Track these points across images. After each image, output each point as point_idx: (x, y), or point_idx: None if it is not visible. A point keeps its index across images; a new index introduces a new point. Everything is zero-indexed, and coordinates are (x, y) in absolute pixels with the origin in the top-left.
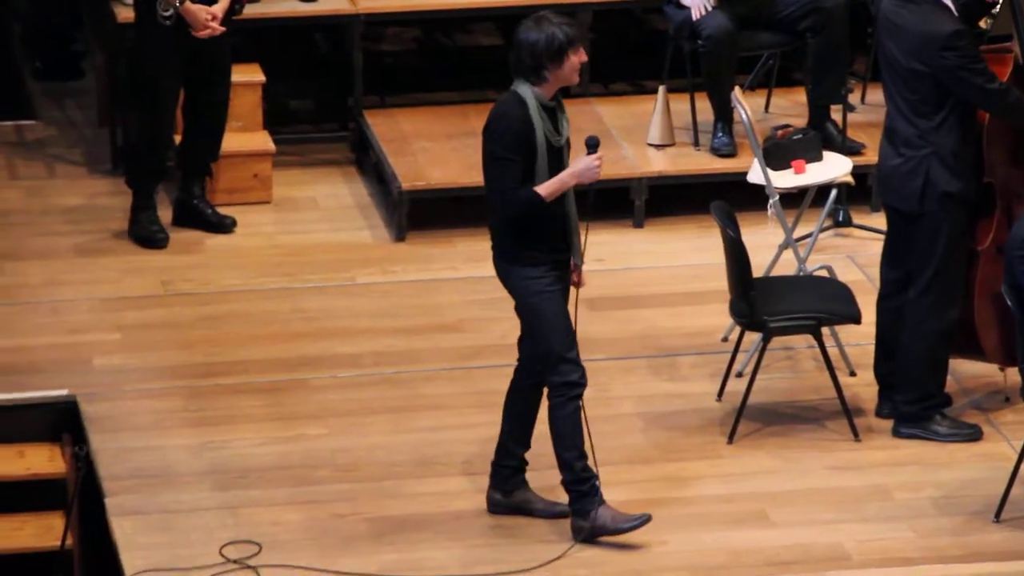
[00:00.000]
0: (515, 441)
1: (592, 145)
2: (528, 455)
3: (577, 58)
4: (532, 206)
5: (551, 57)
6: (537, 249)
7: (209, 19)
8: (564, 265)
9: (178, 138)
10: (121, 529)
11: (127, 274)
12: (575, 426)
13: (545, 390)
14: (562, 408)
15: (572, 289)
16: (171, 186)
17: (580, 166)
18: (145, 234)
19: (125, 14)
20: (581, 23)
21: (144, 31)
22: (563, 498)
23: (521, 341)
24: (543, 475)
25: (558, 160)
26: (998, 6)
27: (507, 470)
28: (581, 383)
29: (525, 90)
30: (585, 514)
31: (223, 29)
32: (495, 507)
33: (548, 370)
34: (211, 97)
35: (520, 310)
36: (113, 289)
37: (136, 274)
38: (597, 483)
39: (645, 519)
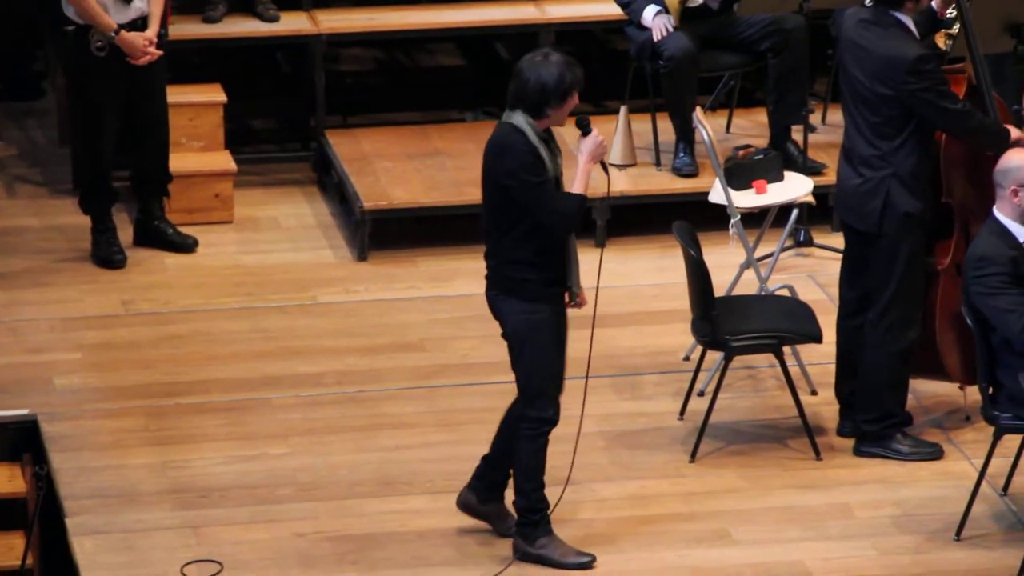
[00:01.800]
0: (504, 456)
1: (584, 124)
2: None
3: (574, 100)
4: (582, 206)
5: (559, 97)
6: (534, 280)
7: (146, 45)
8: (559, 298)
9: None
10: (82, 549)
11: (88, 294)
12: (540, 460)
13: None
14: (532, 442)
15: (577, 314)
16: (132, 206)
17: (589, 147)
18: (104, 256)
19: None
20: (543, 44)
21: (78, 62)
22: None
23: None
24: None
25: (559, 188)
26: (956, 27)
27: (491, 481)
28: (554, 421)
29: (520, 120)
30: (531, 540)
31: (161, 53)
32: (465, 507)
33: (525, 401)
34: (150, 117)
35: (508, 340)
36: (74, 309)
37: (97, 294)
38: (548, 514)
39: (589, 560)
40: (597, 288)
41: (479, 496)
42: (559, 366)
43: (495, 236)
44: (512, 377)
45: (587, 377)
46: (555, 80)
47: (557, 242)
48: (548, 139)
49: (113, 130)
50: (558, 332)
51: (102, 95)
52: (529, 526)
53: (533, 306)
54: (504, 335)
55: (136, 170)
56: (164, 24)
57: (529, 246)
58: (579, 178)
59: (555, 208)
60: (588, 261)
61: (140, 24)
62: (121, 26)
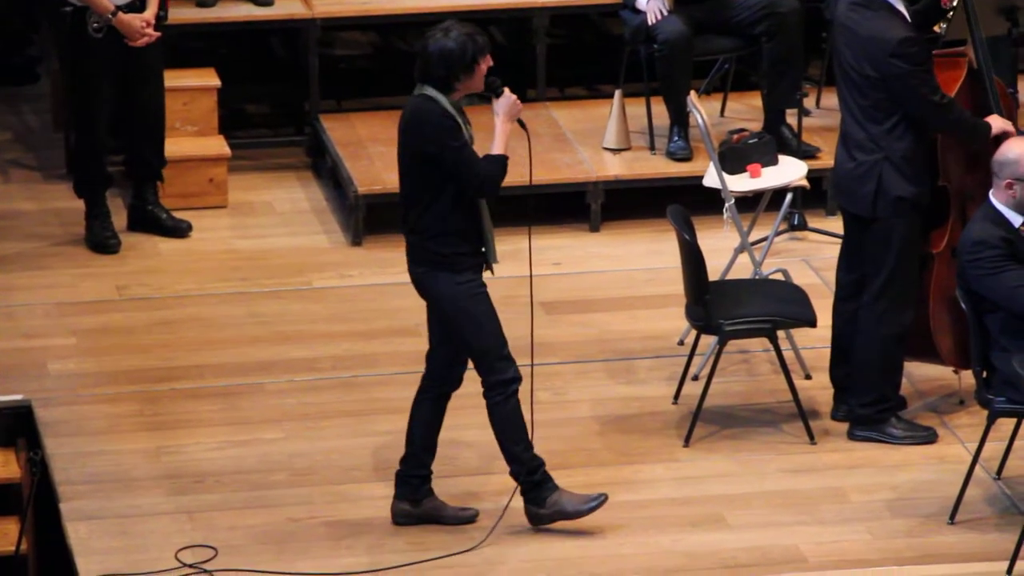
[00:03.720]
0: (426, 450)
1: (495, 86)
2: (437, 462)
3: (485, 65)
4: (505, 167)
5: (464, 68)
6: (463, 252)
7: (144, 26)
8: (481, 268)
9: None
10: (76, 534)
11: (82, 279)
12: (518, 420)
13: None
14: (504, 405)
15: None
16: (126, 191)
17: (503, 107)
18: (98, 240)
19: None
20: (537, 27)
21: (75, 44)
22: (472, 502)
23: (432, 351)
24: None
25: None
26: (952, 11)
27: (417, 480)
28: (518, 378)
29: (431, 91)
30: (541, 501)
31: (159, 34)
32: (403, 518)
33: (484, 370)
34: (147, 101)
35: (448, 315)
36: (68, 294)
37: (91, 279)
38: (545, 470)
39: (602, 499)
40: (531, 274)
41: (412, 501)
42: (501, 327)
43: (417, 211)
44: (516, 361)
45: (532, 365)
46: (459, 50)
47: (476, 213)
48: (459, 109)
49: (108, 113)
50: (488, 296)
51: (98, 77)
52: (534, 489)
53: (464, 276)
54: (439, 314)
55: (131, 154)
56: (164, 7)
57: (453, 218)
58: (498, 138)
59: (478, 171)
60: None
61: (139, 5)
62: (119, 7)
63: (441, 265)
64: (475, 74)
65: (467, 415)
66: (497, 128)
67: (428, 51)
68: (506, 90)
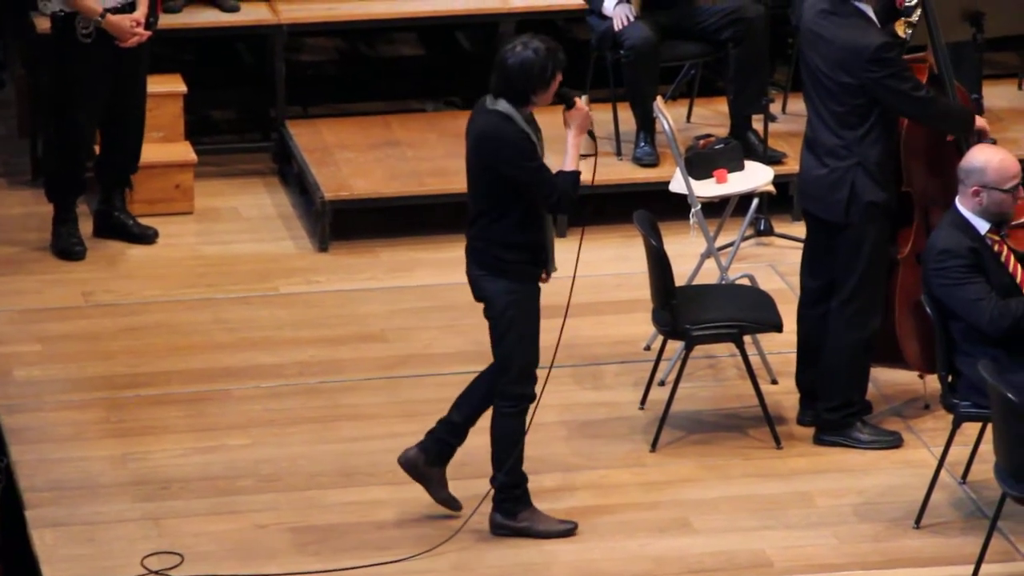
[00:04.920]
0: (466, 424)
1: (568, 98)
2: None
3: (558, 82)
4: (578, 183)
5: (544, 83)
6: (525, 261)
7: (134, 26)
8: (538, 276)
9: (97, 149)
10: (42, 541)
11: (48, 285)
12: (519, 436)
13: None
14: (513, 418)
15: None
16: (92, 198)
17: (577, 119)
18: (64, 247)
19: (44, 24)
20: (504, 33)
21: (63, 48)
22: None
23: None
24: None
25: None
26: (916, 15)
27: (446, 447)
28: (534, 397)
29: (506, 107)
30: (513, 515)
31: (149, 34)
32: (409, 466)
33: (508, 379)
34: (129, 108)
35: (495, 319)
36: (34, 300)
37: (57, 285)
38: (527, 487)
39: (571, 527)
40: (574, 279)
41: (428, 457)
42: (538, 344)
43: (486, 220)
44: (472, 368)
45: (551, 367)
46: (539, 67)
47: (541, 224)
48: (531, 120)
49: (95, 120)
50: (538, 311)
51: (87, 83)
52: (510, 501)
53: (521, 286)
54: (489, 315)
55: (104, 159)
56: (154, 12)
57: (522, 231)
58: (571, 153)
59: (553, 188)
60: (563, 251)
61: (128, 9)
62: (107, 10)
63: (502, 272)
64: (550, 90)
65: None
66: (569, 142)
67: (508, 64)
68: (578, 101)
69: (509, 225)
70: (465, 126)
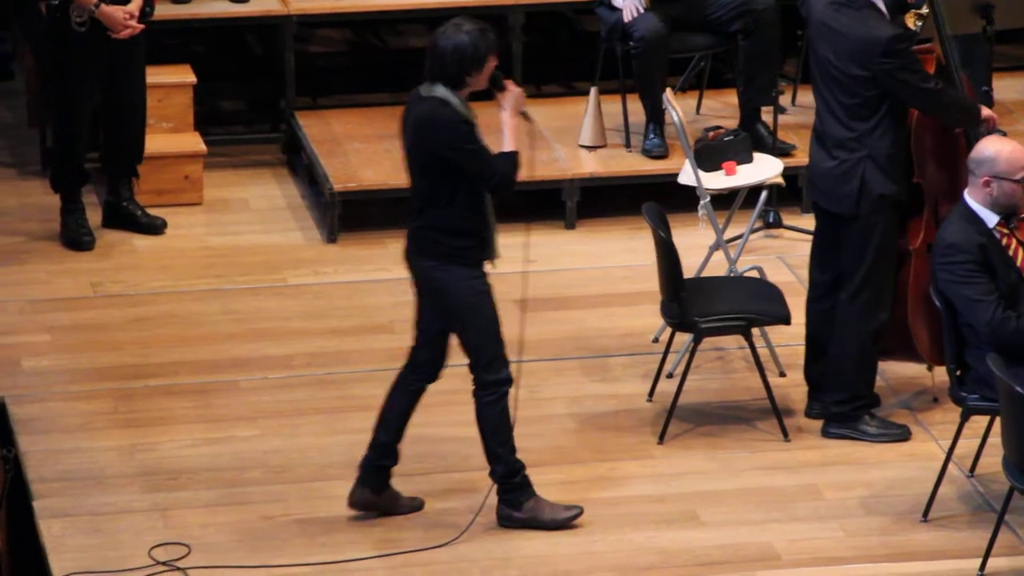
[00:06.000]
0: (398, 441)
1: (498, 80)
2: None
3: (492, 64)
4: (517, 163)
5: (476, 64)
6: (474, 247)
7: (127, 18)
8: (484, 263)
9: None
10: (50, 532)
11: (57, 276)
12: (506, 421)
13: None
14: (496, 405)
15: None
16: (101, 188)
17: (510, 100)
18: (73, 237)
19: None
20: (513, 25)
21: (58, 38)
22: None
23: (420, 346)
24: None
25: None
26: (925, 6)
27: (384, 470)
28: (511, 380)
29: (443, 92)
30: (519, 505)
31: (142, 27)
32: (363, 506)
33: (481, 368)
34: (128, 98)
35: (456, 309)
36: (43, 291)
37: (66, 276)
38: (526, 473)
39: (578, 512)
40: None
41: (375, 489)
42: (501, 327)
43: (432, 210)
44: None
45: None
46: (472, 49)
47: (484, 209)
48: (466, 106)
49: (90, 109)
50: (493, 295)
51: (81, 72)
52: (513, 491)
53: (474, 271)
54: (445, 306)
55: (109, 151)
56: (150, 3)
57: (468, 215)
58: (508, 135)
59: (496, 170)
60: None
61: (122, 0)
62: (102, 0)
63: (456, 259)
64: (484, 71)
65: (443, 412)
66: (505, 123)
67: (441, 48)
68: (508, 83)
69: (457, 212)
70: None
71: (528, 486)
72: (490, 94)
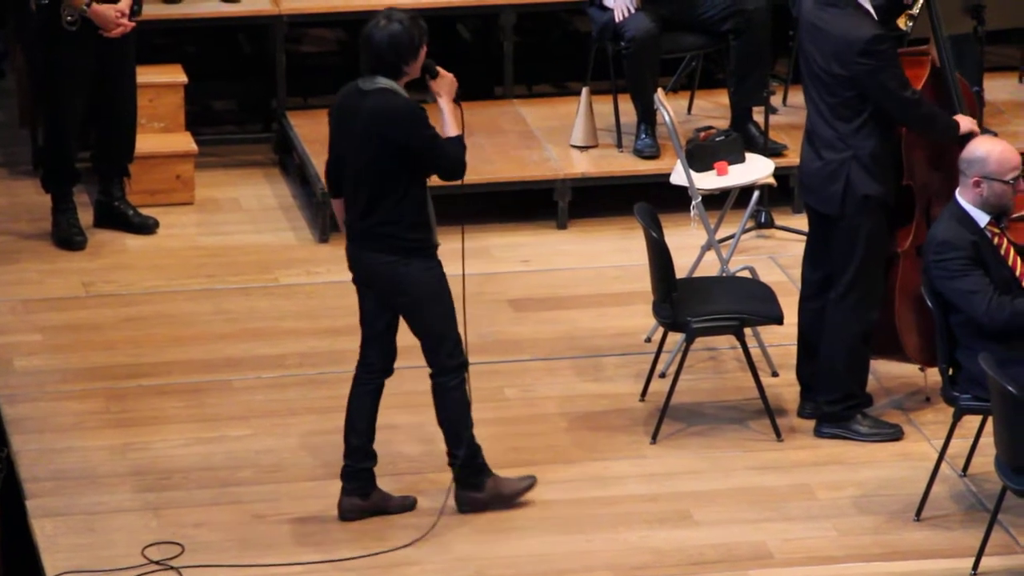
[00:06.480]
0: (371, 442)
1: (431, 68)
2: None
3: (424, 52)
4: (464, 146)
5: (412, 53)
6: (429, 237)
7: (118, 16)
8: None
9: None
10: (42, 531)
11: (48, 275)
12: (467, 404)
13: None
14: (458, 389)
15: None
16: (93, 188)
17: (445, 87)
18: (64, 237)
19: None
20: (504, 25)
21: (48, 37)
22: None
23: (372, 341)
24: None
25: None
26: (917, 7)
27: (366, 472)
28: (467, 361)
29: (387, 82)
30: (480, 486)
31: (133, 24)
32: (353, 513)
33: (443, 355)
34: (119, 96)
35: (418, 301)
36: (34, 290)
37: (57, 275)
38: (482, 454)
39: (532, 480)
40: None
41: (363, 494)
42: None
43: (391, 201)
44: (484, 358)
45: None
46: (407, 38)
47: (428, 198)
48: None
49: (80, 108)
50: (447, 282)
51: (71, 72)
52: (475, 474)
53: (431, 261)
54: (404, 299)
55: (99, 150)
56: (138, 0)
57: (420, 206)
58: (449, 119)
59: (447, 154)
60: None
61: None
62: None
63: (415, 252)
64: (419, 59)
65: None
66: (444, 108)
67: (376, 40)
68: (440, 70)
69: (411, 205)
70: (331, 113)
71: (486, 466)
72: (422, 82)
